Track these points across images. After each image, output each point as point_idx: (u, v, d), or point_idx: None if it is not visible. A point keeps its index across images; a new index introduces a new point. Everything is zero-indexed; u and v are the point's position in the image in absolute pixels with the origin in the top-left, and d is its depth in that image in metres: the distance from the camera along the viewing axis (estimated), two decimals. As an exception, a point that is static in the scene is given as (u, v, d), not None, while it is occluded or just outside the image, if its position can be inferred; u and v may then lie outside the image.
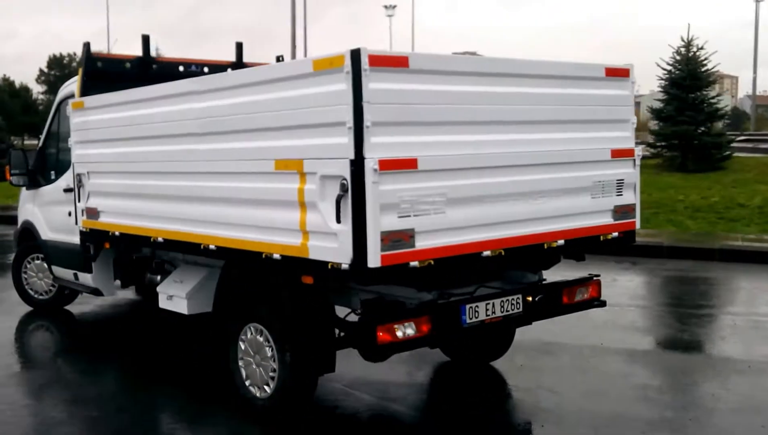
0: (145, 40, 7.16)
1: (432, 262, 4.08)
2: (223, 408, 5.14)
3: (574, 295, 5.12)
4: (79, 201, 6.61)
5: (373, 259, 3.85)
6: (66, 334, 7.62)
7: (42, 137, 7.94)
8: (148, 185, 5.60)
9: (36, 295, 8.17)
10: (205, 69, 7.38)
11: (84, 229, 6.62)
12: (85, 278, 7.09)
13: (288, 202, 4.27)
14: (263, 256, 4.49)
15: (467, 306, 4.56)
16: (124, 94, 5.83)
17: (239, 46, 7.57)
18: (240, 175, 4.63)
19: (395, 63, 3.89)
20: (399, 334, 4.21)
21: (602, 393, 5.37)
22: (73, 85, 7.19)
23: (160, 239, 5.53)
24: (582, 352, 6.32)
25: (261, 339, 4.83)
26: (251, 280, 4.96)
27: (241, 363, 5.04)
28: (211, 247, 4.96)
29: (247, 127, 4.52)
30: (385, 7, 54.66)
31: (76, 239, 7.02)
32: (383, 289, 4.67)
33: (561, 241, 4.74)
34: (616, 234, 5.08)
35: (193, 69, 7.33)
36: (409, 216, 3.97)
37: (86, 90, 6.68)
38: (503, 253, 4.42)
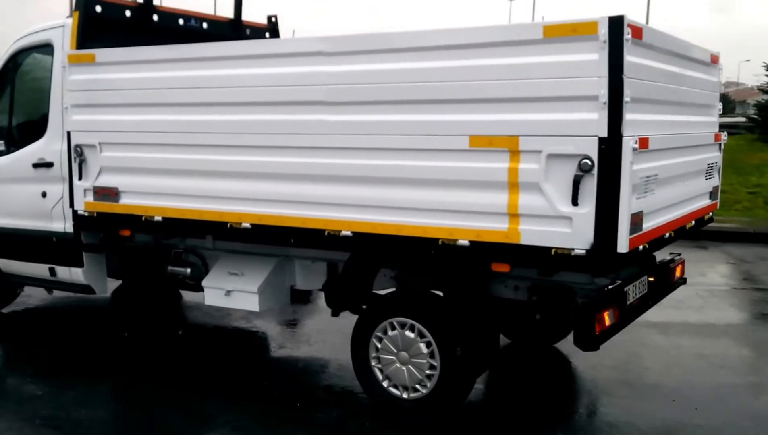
0: None
1: (647, 246, 3.93)
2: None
3: (676, 274, 5.26)
4: (79, 179, 5.35)
5: (623, 244, 3.58)
6: (18, 348, 6.16)
7: None
8: (228, 161, 4.63)
9: (-39, 297, 6.54)
10: (204, 24, 6.31)
11: (85, 214, 5.38)
12: (72, 273, 5.77)
13: (490, 182, 3.81)
14: (440, 242, 3.98)
15: (627, 289, 4.48)
16: (190, 50, 4.77)
17: (238, 3, 6.57)
18: (408, 153, 4.01)
19: (640, 35, 3.62)
20: (608, 322, 4.00)
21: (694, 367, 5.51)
22: (44, 33, 5.74)
23: (246, 225, 4.65)
24: (668, 329, 6.34)
25: (412, 335, 4.32)
26: (402, 270, 4.40)
27: (375, 362, 4.49)
28: (345, 232, 4.29)
29: (426, 97, 3.92)
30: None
31: (55, 226, 5.71)
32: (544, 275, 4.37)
33: (692, 222, 4.83)
34: (711, 214, 5.32)
35: (192, 23, 6.22)
36: (641, 198, 3.76)
37: (84, 40, 5.37)
38: (673, 235, 4.40)
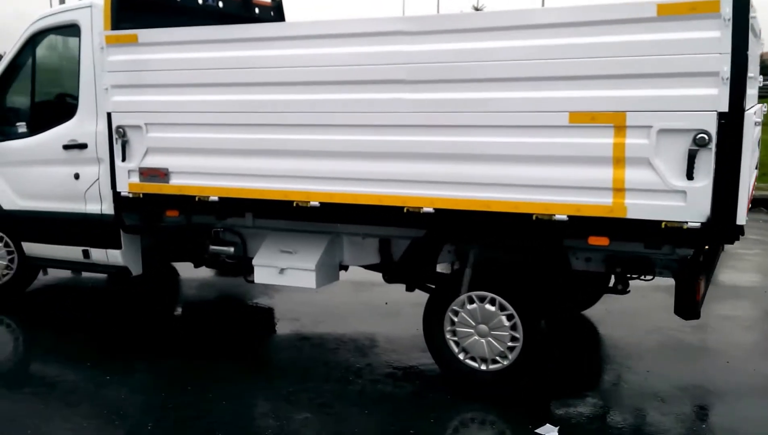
0: None
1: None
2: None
3: None
4: (122, 160, 5.16)
5: (742, 216, 3.71)
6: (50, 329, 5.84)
7: None
8: (295, 140, 4.55)
9: (-21, 282, 6.25)
10: (220, 3, 6.11)
11: (129, 195, 5.20)
12: (109, 256, 5.59)
13: (593, 157, 3.86)
14: (534, 217, 4.03)
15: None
16: (247, 30, 4.65)
17: None
18: (499, 130, 4.02)
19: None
20: (702, 290, 4.15)
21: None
22: (68, 14, 5.50)
23: (314, 203, 4.59)
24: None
25: (492, 308, 4.39)
26: (482, 244, 4.43)
27: (451, 336, 4.53)
28: (426, 209, 4.29)
29: (521, 75, 3.94)
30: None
31: (90, 208, 5.52)
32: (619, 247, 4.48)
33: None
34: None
35: (210, 2, 6.01)
36: None
37: (119, 21, 5.13)
38: None
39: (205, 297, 6.91)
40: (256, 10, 6.49)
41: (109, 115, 5.17)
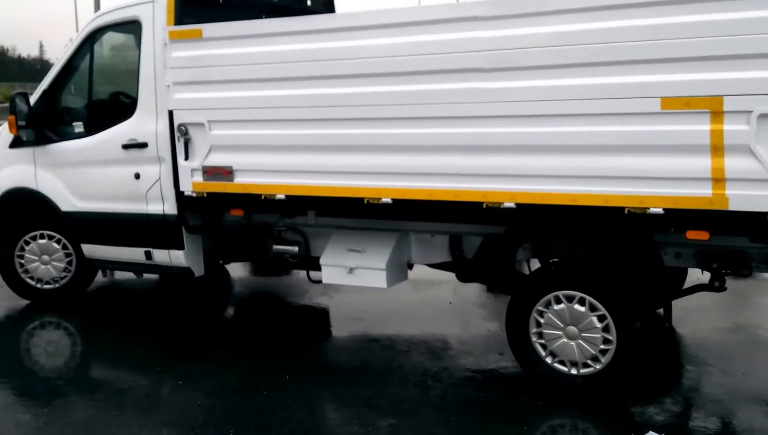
0: None
1: None
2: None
3: None
4: (185, 159, 5.02)
5: None
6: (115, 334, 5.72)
7: (50, 78, 5.80)
8: (366, 135, 4.34)
9: (40, 285, 6.18)
10: None
11: (193, 194, 5.06)
12: (172, 256, 5.45)
13: (688, 146, 3.57)
14: (626, 211, 3.77)
15: None
16: (314, 22, 4.48)
17: None
18: (585, 118, 3.74)
19: None
20: None
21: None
22: (128, 10, 5.35)
23: (386, 200, 4.38)
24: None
25: (582, 308, 4.13)
26: (568, 241, 4.19)
27: (537, 338, 4.29)
28: (507, 204, 4.05)
29: (605, 59, 3.65)
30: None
31: (152, 208, 5.39)
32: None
33: None
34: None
35: None
36: None
37: (182, 16, 4.98)
38: None
39: (259, 296, 6.79)
40: (308, 2, 6.30)
41: (170, 112, 5.02)
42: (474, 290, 6.38)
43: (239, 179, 4.87)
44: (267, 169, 4.77)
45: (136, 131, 5.39)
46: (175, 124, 5.01)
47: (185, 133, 4.98)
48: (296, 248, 5.30)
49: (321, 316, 6.11)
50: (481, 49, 3.98)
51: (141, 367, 4.89)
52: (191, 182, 5.04)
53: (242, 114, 4.76)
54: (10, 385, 4.67)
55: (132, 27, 5.40)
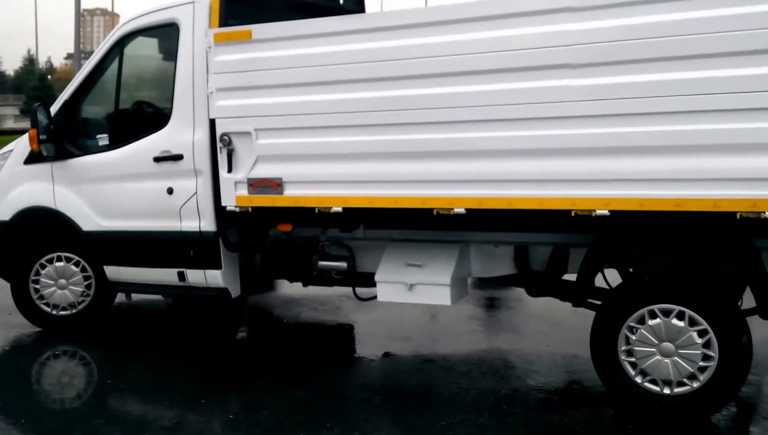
0: None
1: None
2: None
3: None
4: (228, 171, 4.63)
5: None
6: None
7: (73, 87, 5.36)
8: (435, 140, 4.02)
9: (55, 311, 5.69)
10: None
11: (236, 209, 4.68)
12: (208, 277, 5.03)
13: None
14: (737, 216, 3.48)
15: None
16: (376, 19, 4.25)
17: None
18: (691, 115, 3.48)
19: None
20: None
21: None
22: (165, 12, 4.97)
23: (459, 210, 4.06)
24: None
25: (680, 323, 3.82)
26: (664, 249, 3.89)
27: (626, 357, 3.96)
28: (601, 212, 3.74)
29: (714, 51, 3.40)
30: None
31: (187, 225, 4.98)
32: None
33: None
34: None
35: None
36: None
37: (227, 17, 4.63)
38: None
39: (285, 314, 6.34)
40: (341, 1, 5.98)
41: (212, 121, 4.65)
42: (512, 299, 6.07)
43: (290, 191, 4.51)
44: (321, 180, 4.42)
45: (170, 142, 4.98)
46: (218, 133, 4.63)
47: (228, 144, 4.61)
48: (344, 264, 4.95)
49: (363, 335, 5.73)
50: (569, 44, 3.70)
51: (183, 400, 4.43)
52: (235, 196, 4.66)
53: (294, 121, 4.41)
54: (40, 425, 4.18)
55: (168, 30, 4.99)
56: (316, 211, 4.46)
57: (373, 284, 4.91)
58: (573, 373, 4.62)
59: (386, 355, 5.08)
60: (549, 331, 5.44)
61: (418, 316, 5.85)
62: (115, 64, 5.34)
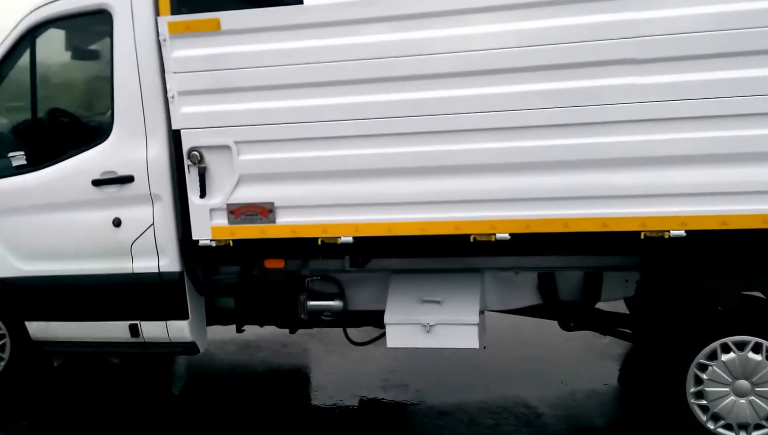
0: None
1: None
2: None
3: None
4: (201, 196, 3.72)
5: None
6: None
7: None
8: (472, 151, 3.34)
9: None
10: None
11: (212, 243, 3.76)
12: (171, 329, 4.05)
13: None
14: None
15: None
16: (410, 2, 3.34)
17: None
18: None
19: None
20: None
21: None
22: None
23: (503, 235, 3.39)
24: None
25: (758, 357, 3.34)
26: (740, 274, 3.39)
27: (694, 399, 3.44)
28: (676, 232, 3.20)
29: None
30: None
31: (142, 265, 4.01)
32: None
33: None
34: None
35: None
36: None
37: (180, 4, 3.72)
38: None
39: (233, 363, 5.38)
40: None
41: (175, 133, 3.74)
42: (496, 326, 5.50)
43: (284, 219, 3.67)
44: (326, 204, 3.61)
45: (114, 161, 3.98)
46: (185, 148, 3.72)
47: (200, 161, 3.70)
48: (339, 302, 4.17)
49: (347, 385, 4.79)
50: (632, 36, 3.16)
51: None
52: (210, 227, 3.75)
53: (288, 130, 3.58)
54: None
55: (95, 19, 4.00)
56: (320, 242, 3.66)
57: (369, 324, 4.21)
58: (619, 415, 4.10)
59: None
60: (548, 362, 4.91)
61: (397, 354, 5.09)
62: (25, 62, 4.23)
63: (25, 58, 4.19)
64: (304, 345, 5.45)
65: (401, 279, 4.06)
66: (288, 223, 3.67)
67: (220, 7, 3.66)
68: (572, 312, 4.03)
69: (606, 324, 3.96)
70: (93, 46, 4.28)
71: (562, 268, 3.97)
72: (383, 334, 4.15)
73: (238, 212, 3.71)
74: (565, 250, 3.57)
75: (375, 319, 4.17)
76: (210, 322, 4.37)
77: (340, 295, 4.23)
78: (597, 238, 3.36)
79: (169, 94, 3.69)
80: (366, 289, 4.21)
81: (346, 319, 4.30)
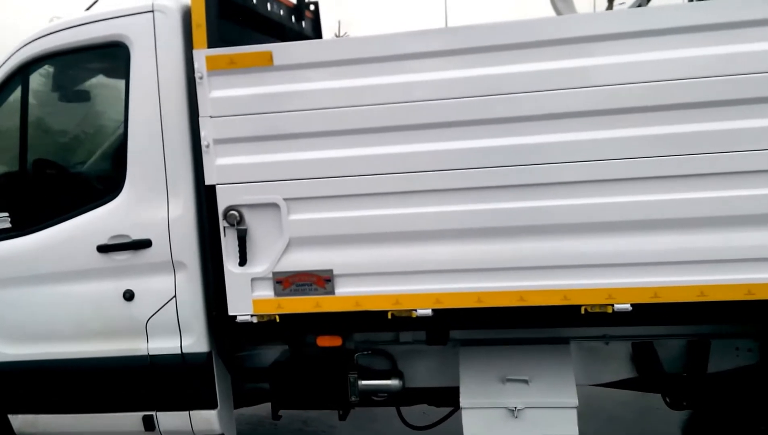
0: None
1: None
2: None
3: None
4: (241, 263, 3.03)
5: None
6: None
7: None
8: (587, 207, 2.74)
9: None
10: (281, 11, 4.17)
11: (253, 319, 3.07)
12: (195, 421, 3.31)
13: None
14: None
15: None
16: (516, 30, 2.76)
17: None
18: None
19: None
20: None
21: None
22: (101, 26, 3.23)
23: (622, 306, 2.78)
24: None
25: None
26: None
27: None
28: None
29: None
30: None
31: (158, 345, 3.29)
32: None
33: None
34: None
35: (274, 9, 4.05)
36: None
37: (216, 36, 3.06)
38: None
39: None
40: (303, 24, 4.60)
41: (210, 189, 3.06)
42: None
43: (345, 289, 3.00)
44: (397, 271, 2.96)
45: (125, 223, 3.25)
46: (221, 207, 3.03)
47: (239, 222, 3.03)
48: (398, 382, 3.50)
49: None
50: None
51: None
52: (251, 300, 3.06)
53: (351, 184, 2.92)
54: None
55: (108, 53, 3.30)
56: (390, 316, 3.01)
57: (425, 402, 3.58)
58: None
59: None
60: None
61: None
62: (14, 104, 3.52)
63: (15, 99, 3.46)
64: (327, 421, 4.73)
65: (473, 353, 3.41)
66: (350, 293, 3.00)
67: (246, 41, 3.07)
68: (680, 386, 3.46)
69: (734, 400, 3.38)
70: (99, 85, 3.57)
71: (662, 337, 3.41)
72: (448, 416, 3.58)
73: (287, 282, 3.03)
74: (695, 320, 2.99)
75: (432, 396, 3.58)
76: (236, 405, 3.68)
77: (395, 372, 3.59)
78: (736, 306, 2.81)
79: (204, 143, 3.01)
80: (426, 364, 3.55)
81: (401, 398, 3.65)
